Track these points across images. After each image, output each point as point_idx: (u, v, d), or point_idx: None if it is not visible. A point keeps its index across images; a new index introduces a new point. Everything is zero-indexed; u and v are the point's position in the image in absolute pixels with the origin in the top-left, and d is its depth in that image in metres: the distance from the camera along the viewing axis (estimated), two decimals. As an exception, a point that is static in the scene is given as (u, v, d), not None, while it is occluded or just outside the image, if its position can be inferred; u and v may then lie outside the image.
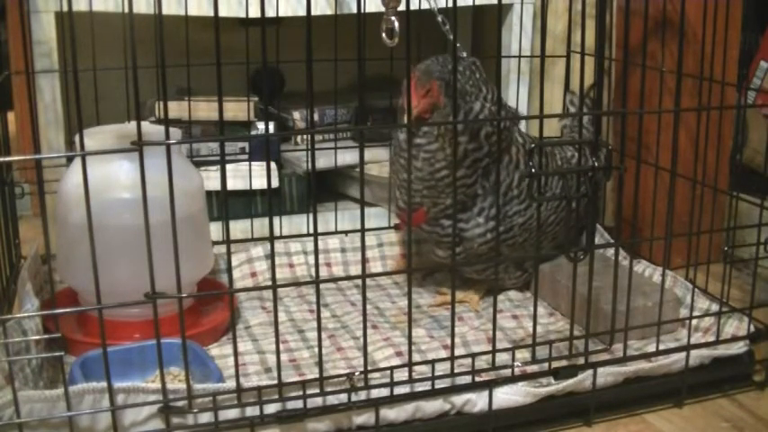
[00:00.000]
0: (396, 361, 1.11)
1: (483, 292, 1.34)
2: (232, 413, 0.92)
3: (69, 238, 1.15)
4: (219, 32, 0.84)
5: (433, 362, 1.00)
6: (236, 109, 1.66)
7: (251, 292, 1.36)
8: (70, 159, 1.27)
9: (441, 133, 1.20)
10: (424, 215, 1.26)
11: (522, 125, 1.56)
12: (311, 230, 1.49)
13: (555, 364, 1.04)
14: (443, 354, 1.12)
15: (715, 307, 1.19)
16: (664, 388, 1.09)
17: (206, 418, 0.92)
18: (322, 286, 1.16)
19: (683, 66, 1.05)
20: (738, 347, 1.13)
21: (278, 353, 0.93)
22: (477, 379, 1.01)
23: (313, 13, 0.93)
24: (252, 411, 0.93)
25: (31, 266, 1.19)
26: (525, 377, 1.03)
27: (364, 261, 0.95)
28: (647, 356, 1.08)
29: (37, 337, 0.98)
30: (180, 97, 1.60)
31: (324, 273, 1.43)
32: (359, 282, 1.26)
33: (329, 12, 1.53)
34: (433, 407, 0.99)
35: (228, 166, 1.60)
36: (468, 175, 1.22)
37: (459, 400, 1.00)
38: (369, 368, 0.97)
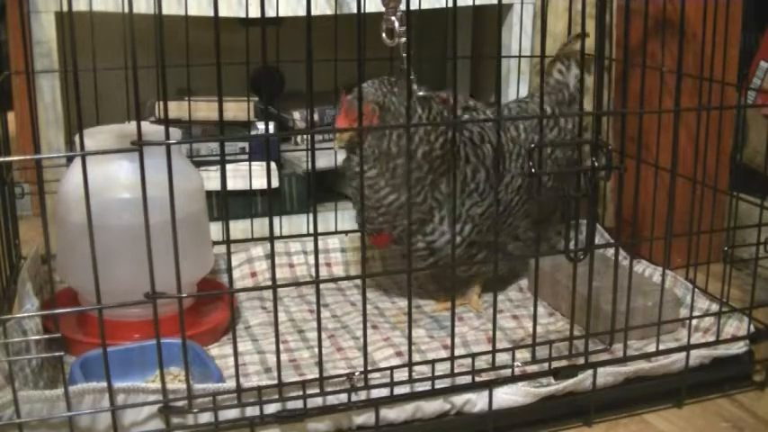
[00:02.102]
0: (396, 361, 1.11)
1: (480, 289, 1.34)
2: (232, 413, 0.92)
3: (69, 238, 1.15)
4: (219, 32, 0.84)
5: (433, 362, 1.00)
6: (236, 109, 1.66)
7: (251, 292, 1.36)
8: (70, 159, 1.27)
9: (376, 157, 1.19)
10: (389, 237, 1.25)
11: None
12: (311, 230, 1.49)
13: (555, 364, 1.04)
14: (443, 354, 1.12)
15: (715, 307, 1.19)
16: (664, 388, 1.09)
17: (206, 418, 0.92)
18: (322, 286, 1.16)
19: (683, 66, 1.05)
20: (738, 347, 1.13)
21: (278, 353, 0.93)
22: (477, 379, 1.01)
23: (313, 13, 0.93)
24: (252, 411, 0.93)
25: (31, 266, 1.19)
26: (525, 377, 1.03)
27: (364, 261, 0.95)
28: (647, 356, 1.08)
29: (37, 337, 0.99)
30: (180, 97, 1.60)
31: (324, 273, 1.43)
32: (359, 282, 1.26)
33: (329, 12, 1.53)
34: (432, 407, 0.99)
35: (228, 166, 1.60)
36: (414, 195, 1.20)
37: (459, 400, 1.00)
38: (369, 368, 0.97)
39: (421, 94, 1.21)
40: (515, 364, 1.03)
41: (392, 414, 0.98)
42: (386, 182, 1.19)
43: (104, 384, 0.88)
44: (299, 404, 0.94)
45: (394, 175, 1.18)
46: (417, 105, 1.20)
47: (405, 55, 1.28)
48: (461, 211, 1.22)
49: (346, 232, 1.51)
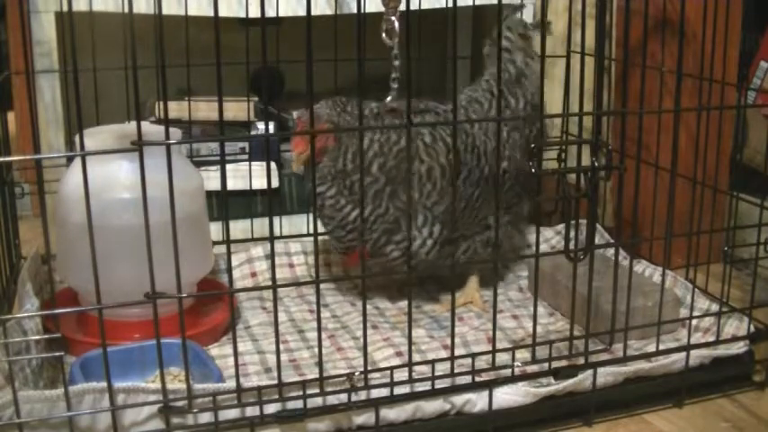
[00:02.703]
0: (396, 361, 1.11)
1: (478, 284, 1.34)
2: (232, 413, 0.92)
3: (69, 238, 1.15)
4: (219, 32, 0.84)
5: (433, 362, 1.00)
6: (236, 109, 1.66)
7: (251, 292, 1.36)
8: (70, 159, 1.27)
9: (333, 176, 1.20)
10: (359, 253, 1.23)
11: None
12: (311, 230, 1.49)
13: (555, 364, 1.04)
14: (443, 354, 1.12)
15: (715, 307, 1.19)
16: (664, 388, 1.09)
17: (206, 418, 0.92)
18: (322, 286, 1.16)
19: (683, 66, 1.05)
20: (738, 347, 1.13)
21: (278, 353, 0.93)
22: (477, 379, 1.01)
23: (313, 13, 0.92)
24: (252, 411, 0.93)
25: (31, 266, 1.19)
26: (525, 377, 1.03)
27: (364, 261, 0.95)
28: (647, 356, 1.08)
29: (37, 337, 0.98)
30: (180, 97, 1.60)
31: (324, 273, 1.43)
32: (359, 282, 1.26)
33: (329, 12, 1.53)
34: (433, 407, 0.99)
35: (228, 166, 1.60)
36: (375, 207, 1.20)
37: (459, 400, 1.00)
38: (369, 368, 0.97)
39: (374, 106, 1.21)
40: (515, 364, 1.03)
41: (392, 414, 0.98)
42: (346, 200, 1.20)
43: (104, 384, 0.88)
44: (299, 404, 0.94)
45: (352, 191, 1.19)
46: (371, 120, 1.21)
47: (396, 63, 1.28)
48: (427, 214, 1.22)
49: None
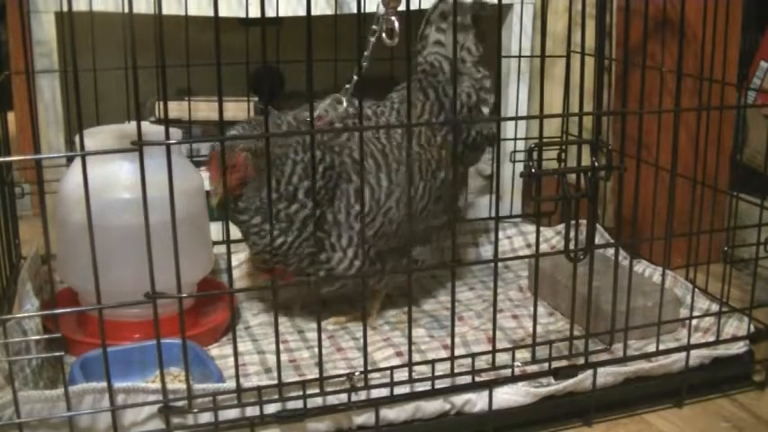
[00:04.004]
0: (396, 361, 1.11)
1: (379, 305, 1.29)
2: (232, 413, 0.92)
3: (69, 238, 1.15)
4: (219, 32, 0.84)
5: (433, 362, 1.00)
6: (236, 109, 1.66)
7: (251, 292, 1.36)
8: (70, 159, 1.27)
9: (258, 206, 1.14)
10: (285, 272, 1.20)
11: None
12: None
13: (555, 364, 1.04)
14: (443, 354, 1.12)
15: (715, 307, 1.19)
16: (664, 388, 1.09)
17: (206, 418, 0.92)
18: (322, 286, 1.16)
19: (683, 66, 1.05)
20: (738, 347, 1.13)
21: (278, 353, 0.93)
22: (477, 379, 1.01)
23: (313, 13, 0.93)
24: (252, 411, 0.93)
25: (31, 266, 1.19)
26: (525, 377, 1.03)
27: (364, 261, 0.95)
28: (647, 356, 1.08)
29: (37, 337, 0.98)
30: (180, 97, 1.60)
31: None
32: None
33: (329, 12, 1.53)
34: (433, 407, 0.99)
35: (228, 166, 1.59)
36: (298, 234, 1.15)
37: (459, 400, 1.00)
38: (369, 368, 0.97)
39: (291, 118, 1.16)
40: (515, 364, 1.03)
41: (392, 414, 0.98)
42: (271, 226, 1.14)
43: (104, 384, 0.88)
44: (299, 404, 0.94)
45: (278, 219, 1.13)
46: (294, 143, 1.13)
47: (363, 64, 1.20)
48: (352, 234, 1.15)
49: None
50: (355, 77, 1.21)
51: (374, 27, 1.23)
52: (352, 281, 1.20)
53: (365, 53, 1.23)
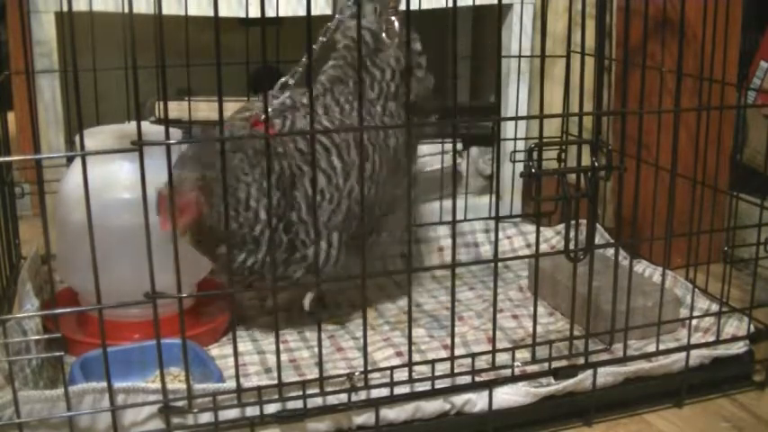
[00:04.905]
0: (396, 361, 1.11)
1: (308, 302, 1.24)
2: (232, 413, 0.92)
3: (69, 238, 1.15)
4: (219, 32, 0.84)
5: (433, 362, 1.00)
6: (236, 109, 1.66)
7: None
8: (70, 159, 1.27)
9: (192, 233, 1.08)
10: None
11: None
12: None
13: (555, 364, 1.04)
14: (443, 354, 1.12)
15: (715, 307, 1.19)
16: (664, 388, 1.09)
17: (206, 418, 0.92)
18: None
19: (683, 66, 1.05)
20: (738, 347, 1.13)
21: (278, 353, 0.93)
22: (477, 379, 1.01)
23: (313, 13, 0.93)
24: (252, 411, 0.93)
25: (31, 266, 1.19)
26: (525, 377, 1.03)
27: (365, 261, 0.95)
28: (647, 356, 1.08)
29: (37, 337, 0.98)
30: (180, 97, 1.60)
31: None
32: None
33: (329, 12, 1.53)
34: (433, 407, 0.99)
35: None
36: (267, 251, 1.10)
37: (459, 400, 1.00)
38: (369, 368, 0.97)
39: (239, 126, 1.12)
40: (515, 364, 1.03)
41: (392, 414, 0.98)
42: (238, 251, 1.10)
43: (104, 384, 0.88)
44: (299, 404, 0.94)
45: (244, 243, 1.09)
46: (234, 152, 1.09)
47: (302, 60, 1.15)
48: (320, 225, 1.13)
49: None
50: (299, 69, 1.16)
51: (329, 24, 1.20)
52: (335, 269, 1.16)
53: (313, 46, 1.17)
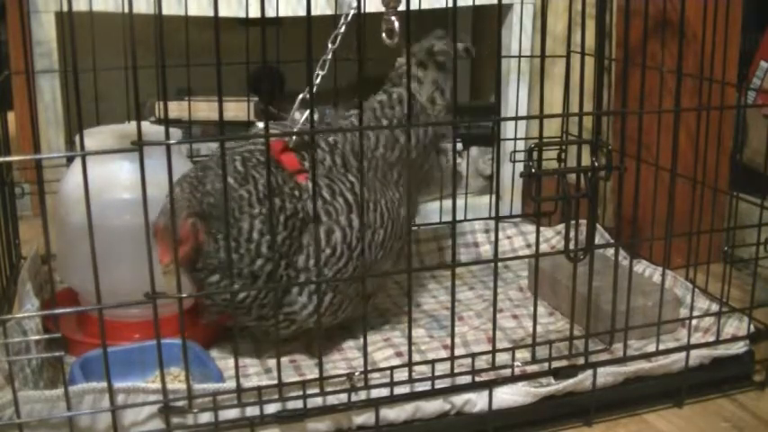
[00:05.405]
0: (396, 361, 1.11)
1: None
2: (232, 413, 0.92)
3: (69, 238, 1.15)
4: (219, 32, 0.84)
5: (433, 362, 1.00)
6: (236, 109, 1.66)
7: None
8: (70, 159, 1.27)
9: (215, 266, 1.04)
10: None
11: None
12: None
13: (555, 364, 1.04)
14: (443, 354, 1.12)
15: (715, 307, 1.19)
16: (664, 388, 1.09)
17: (206, 418, 0.92)
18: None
19: (683, 66, 1.05)
20: (738, 347, 1.13)
21: (278, 353, 0.93)
22: (477, 379, 1.01)
23: (313, 13, 0.93)
24: (252, 411, 0.93)
25: (31, 266, 1.19)
26: (525, 377, 1.03)
27: (365, 261, 0.95)
28: (647, 356, 1.08)
29: (37, 337, 0.98)
30: (180, 97, 1.60)
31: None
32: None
33: (329, 12, 1.53)
34: (433, 407, 0.99)
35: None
36: (264, 287, 1.05)
37: (459, 400, 1.00)
38: (369, 368, 0.97)
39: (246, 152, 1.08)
40: (515, 364, 1.03)
41: (392, 414, 0.98)
42: (235, 283, 1.05)
43: (104, 384, 0.88)
44: (299, 404, 0.94)
45: (240, 275, 1.04)
46: (241, 185, 1.05)
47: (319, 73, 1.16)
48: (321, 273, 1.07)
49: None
50: (318, 79, 1.16)
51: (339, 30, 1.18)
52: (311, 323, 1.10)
53: (323, 58, 1.16)
